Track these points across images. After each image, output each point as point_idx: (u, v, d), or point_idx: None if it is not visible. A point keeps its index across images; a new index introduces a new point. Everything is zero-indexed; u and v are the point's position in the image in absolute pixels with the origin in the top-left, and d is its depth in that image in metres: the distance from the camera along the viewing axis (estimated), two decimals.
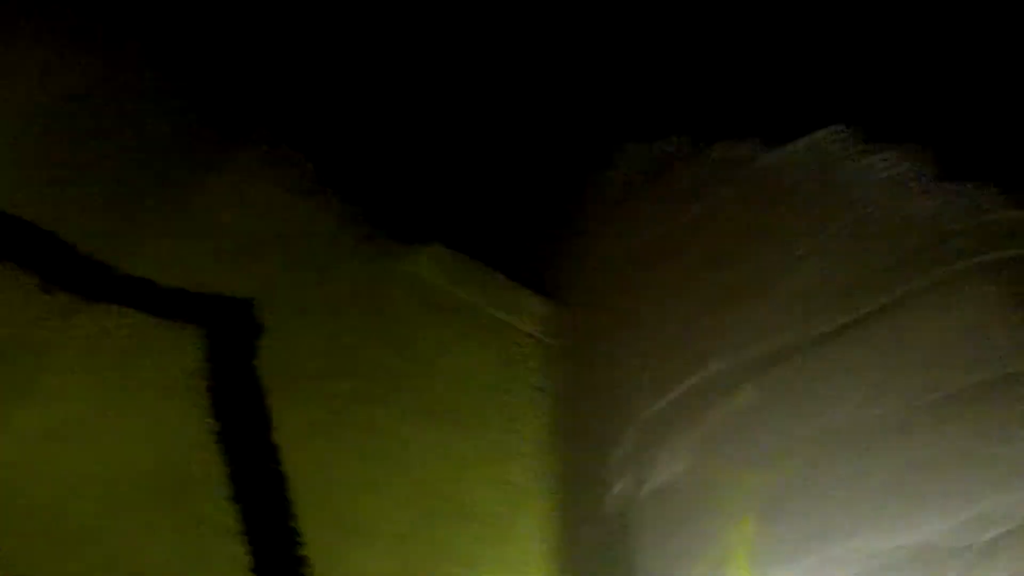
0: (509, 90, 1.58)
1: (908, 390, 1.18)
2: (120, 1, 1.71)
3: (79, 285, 1.57)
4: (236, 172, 1.69)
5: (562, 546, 1.39)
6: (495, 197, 1.68)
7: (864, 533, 1.18)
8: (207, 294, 1.61)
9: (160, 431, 1.52)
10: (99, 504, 1.48)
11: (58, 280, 1.57)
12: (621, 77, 1.50)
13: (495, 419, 1.61)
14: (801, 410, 1.30)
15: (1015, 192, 1.19)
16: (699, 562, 1.29)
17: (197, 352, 1.57)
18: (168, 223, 1.64)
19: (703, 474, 1.36)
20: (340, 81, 1.65)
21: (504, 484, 1.57)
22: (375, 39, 1.60)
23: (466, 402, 1.61)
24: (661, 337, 1.39)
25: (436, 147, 1.66)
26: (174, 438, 1.52)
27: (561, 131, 1.56)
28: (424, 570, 1.51)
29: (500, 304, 1.68)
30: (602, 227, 1.45)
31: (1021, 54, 1.26)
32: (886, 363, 1.20)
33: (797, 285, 1.31)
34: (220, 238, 1.65)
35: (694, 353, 1.37)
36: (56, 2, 1.72)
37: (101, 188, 1.64)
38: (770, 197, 1.34)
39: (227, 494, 1.50)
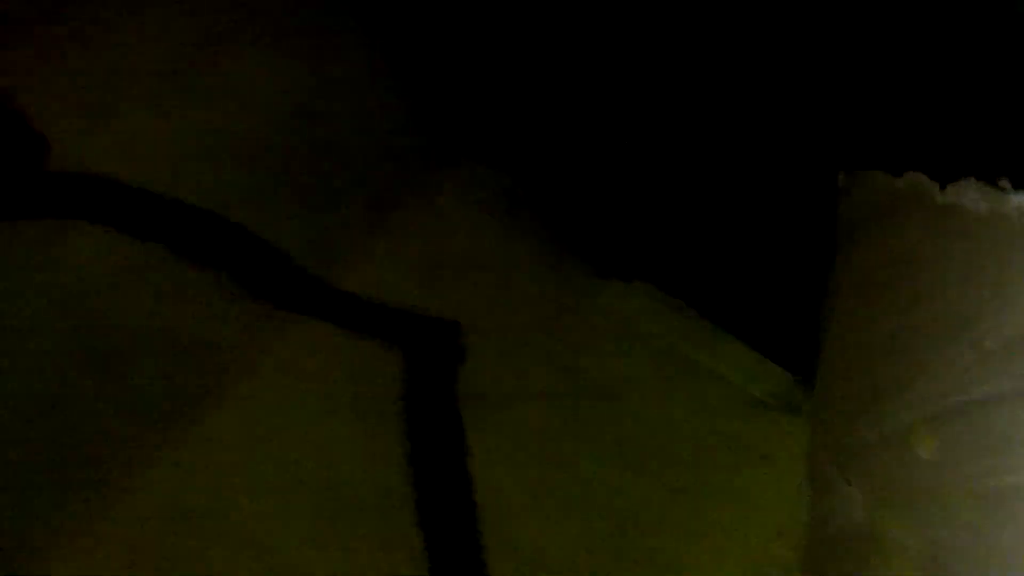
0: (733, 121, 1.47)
1: None
2: (347, 16, 1.72)
3: (286, 295, 1.56)
4: (447, 192, 1.67)
5: None
6: (702, 236, 1.60)
7: None
8: (411, 313, 1.59)
9: (353, 449, 1.51)
10: (285, 516, 1.47)
11: (266, 288, 1.56)
12: (865, 107, 1.38)
13: (690, 467, 1.58)
14: (978, 468, 1.30)
15: None
16: None
17: (396, 371, 1.55)
18: (377, 238, 1.63)
19: (872, 526, 1.38)
20: (557, 108, 1.59)
21: (696, 535, 1.54)
22: (598, 71, 1.52)
23: (662, 448, 1.58)
24: (857, 380, 1.37)
25: (649, 182, 1.59)
26: (366, 457, 1.51)
27: (797, 154, 1.44)
28: None
29: (702, 348, 1.64)
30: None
31: None
32: None
33: (1000, 335, 1.29)
34: (427, 258, 1.64)
35: (882, 399, 1.37)
36: (284, 15, 1.72)
37: (314, 198, 1.63)
38: (987, 241, 1.28)
39: (414, 519, 1.48)
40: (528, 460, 1.55)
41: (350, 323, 1.57)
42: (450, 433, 1.53)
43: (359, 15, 1.75)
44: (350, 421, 1.53)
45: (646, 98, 1.50)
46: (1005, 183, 1.29)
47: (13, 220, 1.52)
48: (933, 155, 1.27)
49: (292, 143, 1.66)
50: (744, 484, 1.58)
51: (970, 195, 1.31)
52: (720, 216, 1.57)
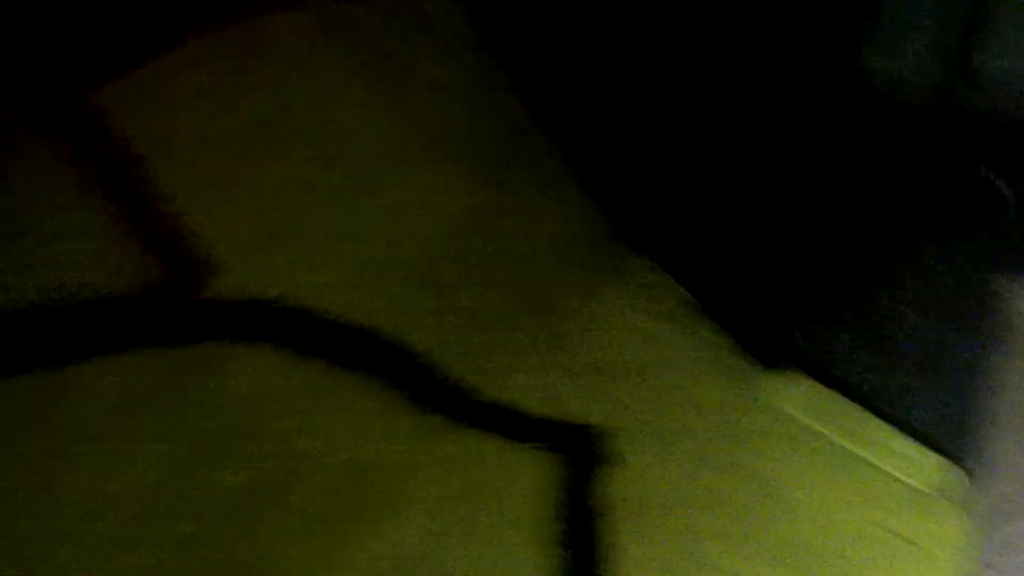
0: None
1: None
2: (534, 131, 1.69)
3: (447, 407, 1.57)
4: (610, 299, 1.67)
5: None
6: (854, 325, 1.61)
7: None
8: (566, 422, 1.59)
9: (508, 560, 1.52)
10: None
11: (428, 401, 1.57)
12: None
13: (852, 568, 1.54)
14: None
15: None
16: None
17: (552, 481, 1.55)
18: (537, 348, 1.62)
19: None
20: (720, 211, 1.63)
21: None
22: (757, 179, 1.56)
23: (820, 546, 1.54)
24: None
25: (808, 276, 1.62)
26: (521, 568, 1.52)
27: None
28: None
29: (859, 441, 1.60)
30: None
31: None
32: None
33: None
34: (585, 366, 1.63)
35: None
36: (464, 131, 1.69)
37: (476, 311, 1.63)
38: None
39: None
40: (687, 565, 1.54)
41: (507, 432, 1.58)
42: (602, 541, 1.53)
43: (547, 128, 1.74)
44: (506, 531, 1.54)
45: (807, 217, 1.55)
46: None
47: (179, 345, 1.54)
48: None
49: (460, 257, 1.65)
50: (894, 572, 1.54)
51: None
52: (874, 308, 1.58)
